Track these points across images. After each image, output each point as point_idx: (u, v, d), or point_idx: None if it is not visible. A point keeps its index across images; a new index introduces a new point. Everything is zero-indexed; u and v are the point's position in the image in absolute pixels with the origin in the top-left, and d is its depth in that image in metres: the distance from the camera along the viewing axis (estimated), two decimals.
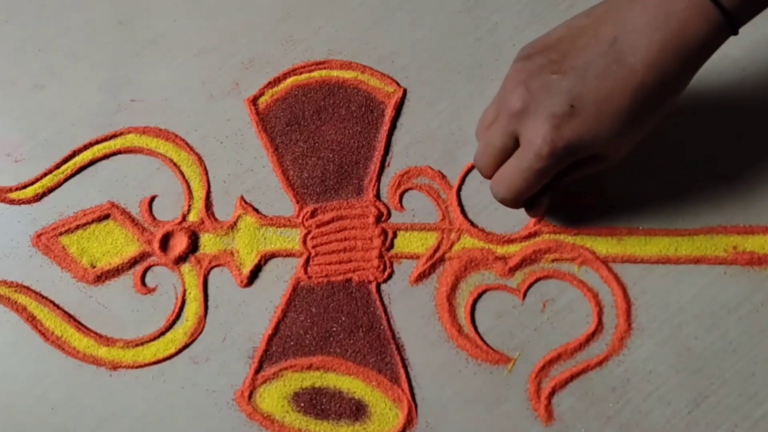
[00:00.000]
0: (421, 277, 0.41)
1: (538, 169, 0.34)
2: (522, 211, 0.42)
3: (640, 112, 0.33)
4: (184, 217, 0.43)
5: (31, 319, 0.41)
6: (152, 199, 0.43)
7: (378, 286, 0.41)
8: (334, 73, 0.45)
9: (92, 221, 0.43)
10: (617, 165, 0.36)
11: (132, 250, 0.42)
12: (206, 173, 0.43)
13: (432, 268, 0.41)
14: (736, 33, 0.33)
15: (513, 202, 0.36)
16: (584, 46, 0.33)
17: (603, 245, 0.41)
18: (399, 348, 0.40)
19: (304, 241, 0.42)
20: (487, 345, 0.40)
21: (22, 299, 0.42)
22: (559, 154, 0.33)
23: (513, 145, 0.35)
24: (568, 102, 0.33)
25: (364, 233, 0.42)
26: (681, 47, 0.32)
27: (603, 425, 0.38)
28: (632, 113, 0.33)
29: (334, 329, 0.41)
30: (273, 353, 0.40)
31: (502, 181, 0.35)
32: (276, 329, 0.41)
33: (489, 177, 0.37)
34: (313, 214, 0.42)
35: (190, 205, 0.43)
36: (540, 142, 0.33)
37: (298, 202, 0.43)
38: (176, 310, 0.41)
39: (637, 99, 0.32)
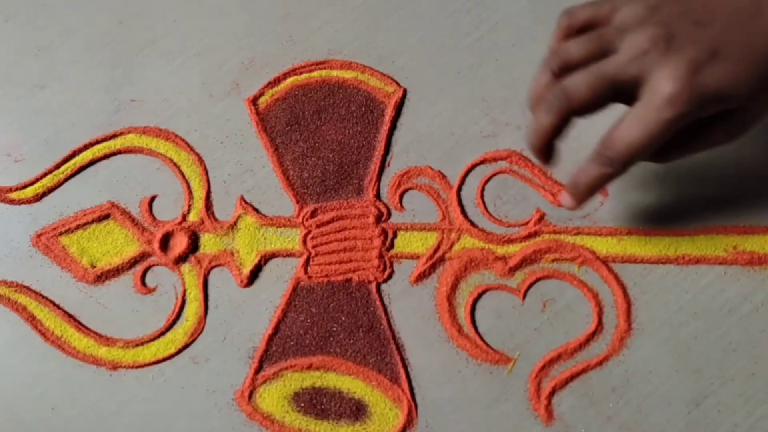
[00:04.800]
0: (421, 277, 0.41)
1: (667, 119, 0.31)
2: (521, 210, 0.42)
3: None
4: (184, 217, 0.43)
5: (31, 319, 0.41)
6: (152, 199, 0.43)
7: (378, 286, 0.41)
8: (334, 73, 0.45)
9: (92, 221, 0.43)
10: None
11: (132, 250, 0.42)
12: (206, 173, 0.43)
13: (432, 268, 0.41)
14: None
15: (628, 159, 0.32)
16: (725, 1, 0.32)
17: (603, 245, 0.41)
18: (399, 348, 0.40)
19: (304, 241, 0.42)
20: (487, 345, 0.40)
21: (22, 299, 0.42)
22: (696, 101, 0.30)
23: (625, 89, 0.32)
24: (710, 49, 0.31)
25: (364, 233, 0.42)
26: None
27: (603, 425, 0.38)
28: None
29: (334, 329, 0.41)
30: (273, 353, 0.40)
31: (618, 134, 0.32)
32: (276, 329, 0.41)
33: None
34: (313, 214, 0.42)
35: (190, 205, 0.43)
36: (676, 85, 0.30)
37: (298, 202, 0.43)
38: (176, 310, 0.41)
39: None
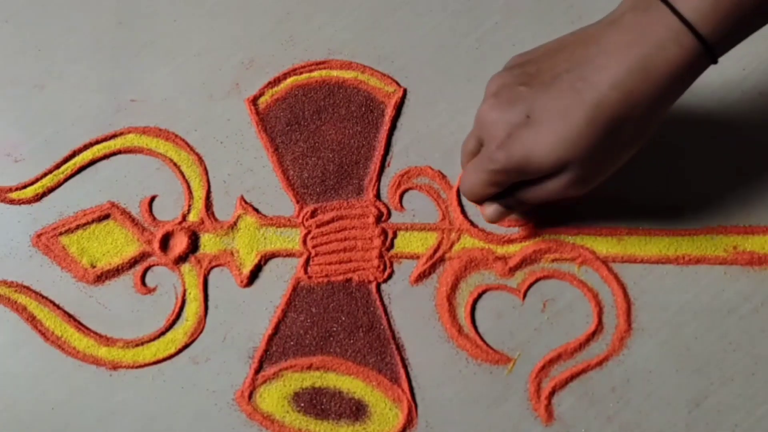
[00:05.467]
0: (421, 277, 0.41)
1: (490, 171, 0.33)
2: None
3: (600, 133, 0.30)
4: (184, 217, 0.43)
5: (31, 319, 0.41)
6: (152, 199, 0.43)
7: (378, 286, 0.41)
8: (334, 73, 0.45)
9: (92, 221, 0.43)
10: (589, 196, 0.35)
11: (132, 250, 0.42)
12: (206, 173, 0.43)
13: (432, 268, 0.41)
14: (715, 62, 0.30)
15: (471, 197, 0.36)
16: (558, 63, 0.32)
17: (603, 245, 0.41)
18: (399, 348, 0.40)
19: (304, 241, 0.42)
20: (487, 345, 0.40)
21: (22, 299, 0.42)
22: (510, 165, 0.32)
23: (479, 149, 0.35)
24: (524, 112, 0.32)
25: (364, 233, 0.42)
26: (651, 71, 0.30)
27: (603, 425, 0.38)
28: (589, 132, 0.30)
29: (334, 329, 0.41)
30: (273, 353, 0.40)
31: (464, 177, 0.36)
32: (276, 329, 0.41)
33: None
34: (313, 214, 0.42)
35: (190, 205, 0.43)
36: (493, 147, 0.33)
37: (298, 202, 0.43)
38: (176, 310, 0.41)
39: (595, 117, 0.30)
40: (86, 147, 0.44)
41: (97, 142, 0.44)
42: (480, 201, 0.37)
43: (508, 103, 0.33)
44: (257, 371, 0.40)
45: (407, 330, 0.40)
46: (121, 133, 0.44)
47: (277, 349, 0.40)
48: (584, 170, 0.32)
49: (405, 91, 0.44)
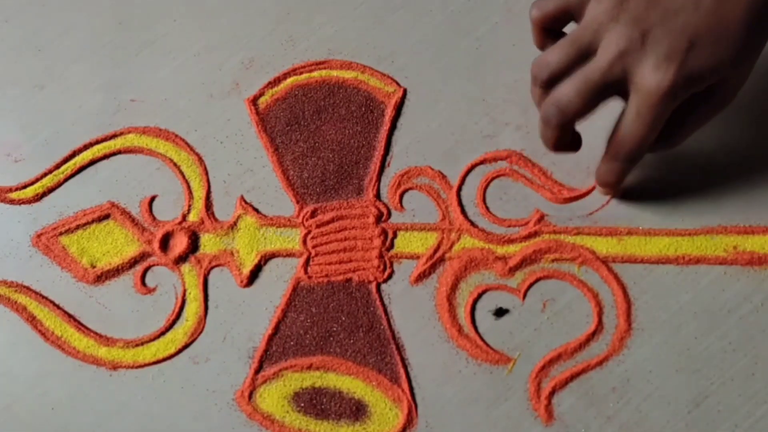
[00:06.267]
0: (421, 277, 0.41)
1: (660, 110, 0.33)
2: (521, 210, 0.42)
3: (754, 33, 0.33)
4: (184, 217, 0.43)
5: (31, 319, 0.41)
6: (152, 199, 0.43)
7: (378, 286, 0.41)
8: (334, 73, 0.45)
9: (92, 221, 0.43)
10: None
11: (132, 250, 0.42)
12: (206, 173, 0.43)
13: (432, 268, 0.41)
14: None
15: (639, 153, 0.36)
16: None
17: (603, 245, 0.41)
18: (399, 348, 0.40)
19: (304, 241, 0.42)
20: (487, 345, 0.40)
21: (22, 299, 0.42)
22: (682, 86, 0.33)
23: (613, 89, 0.34)
24: (686, 37, 0.33)
25: (364, 233, 0.42)
26: None
27: (603, 425, 0.38)
28: (747, 35, 0.33)
29: (334, 329, 0.41)
30: (273, 353, 0.40)
31: (624, 133, 0.35)
32: (276, 329, 0.41)
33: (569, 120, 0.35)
34: (313, 214, 0.42)
35: (190, 205, 0.43)
36: (661, 77, 0.32)
37: (298, 202, 0.43)
38: (176, 310, 0.41)
39: (749, 21, 0.32)
40: (86, 147, 0.44)
41: (97, 142, 0.44)
42: (642, 154, 0.36)
43: (659, 31, 0.33)
44: (257, 371, 0.40)
45: (407, 330, 0.40)
46: (121, 133, 0.44)
47: (277, 349, 0.40)
48: (743, 69, 0.35)
49: (405, 91, 0.44)
